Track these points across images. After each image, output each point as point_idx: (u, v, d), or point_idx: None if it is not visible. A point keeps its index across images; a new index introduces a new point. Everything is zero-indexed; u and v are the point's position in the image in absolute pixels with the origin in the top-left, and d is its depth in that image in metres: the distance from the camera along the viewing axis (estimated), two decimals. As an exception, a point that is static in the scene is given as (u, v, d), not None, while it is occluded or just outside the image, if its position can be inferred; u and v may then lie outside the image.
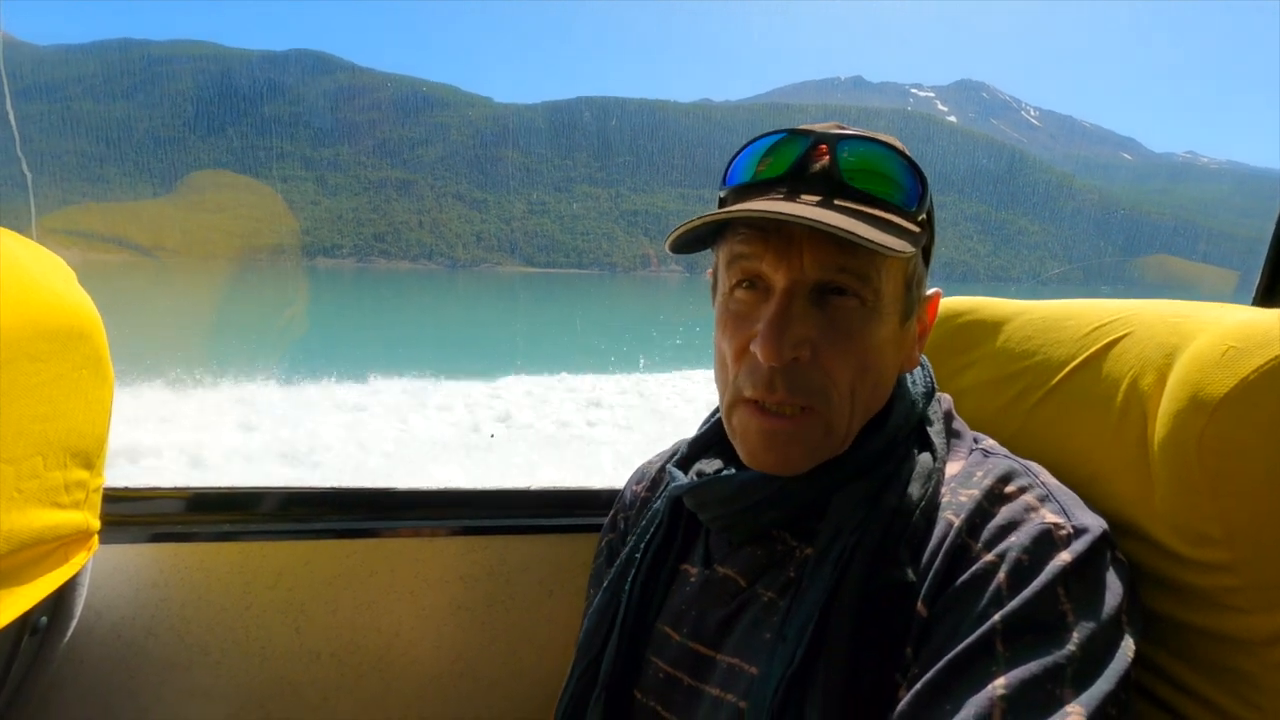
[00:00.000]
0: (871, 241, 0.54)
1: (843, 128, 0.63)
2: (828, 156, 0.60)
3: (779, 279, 0.58)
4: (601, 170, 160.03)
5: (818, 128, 0.62)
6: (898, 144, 0.62)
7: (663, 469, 0.84)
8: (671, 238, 0.62)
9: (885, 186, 0.60)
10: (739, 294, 0.62)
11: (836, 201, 0.58)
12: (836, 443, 0.61)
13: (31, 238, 0.78)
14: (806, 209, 0.56)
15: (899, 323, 0.63)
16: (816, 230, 0.55)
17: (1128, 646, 0.50)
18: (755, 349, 0.58)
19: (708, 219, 0.58)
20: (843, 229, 0.54)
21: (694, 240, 0.64)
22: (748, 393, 0.61)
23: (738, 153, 0.65)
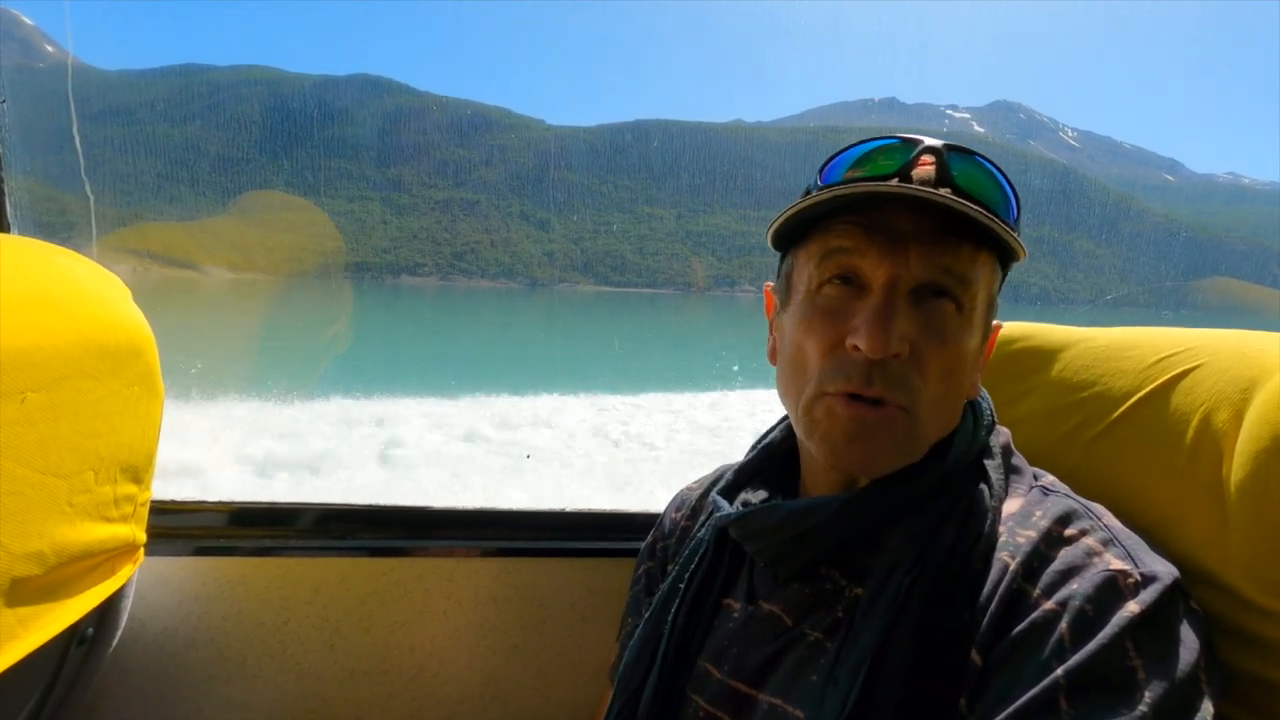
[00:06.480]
0: (993, 220, 0.54)
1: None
2: (932, 166, 0.59)
3: (880, 275, 0.57)
4: (661, 192, 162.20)
5: (921, 137, 0.61)
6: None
7: (704, 496, 0.82)
8: (776, 223, 0.62)
9: (989, 196, 0.59)
10: (828, 290, 0.60)
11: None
12: (916, 448, 0.59)
13: (92, 255, 0.80)
14: (927, 190, 0.55)
15: (980, 340, 0.62)
16: (923, 229, 0.56)
17: (1207, 709, 0.46)
18: (856, 341, 0.56)
19: (820, 197, 0.57)
20: (968, 205, 0.54)
21: (783, 236, 0.64)
22: (836, 386, 0.58)
23: (837, 154, 0.64)
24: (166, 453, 0.82)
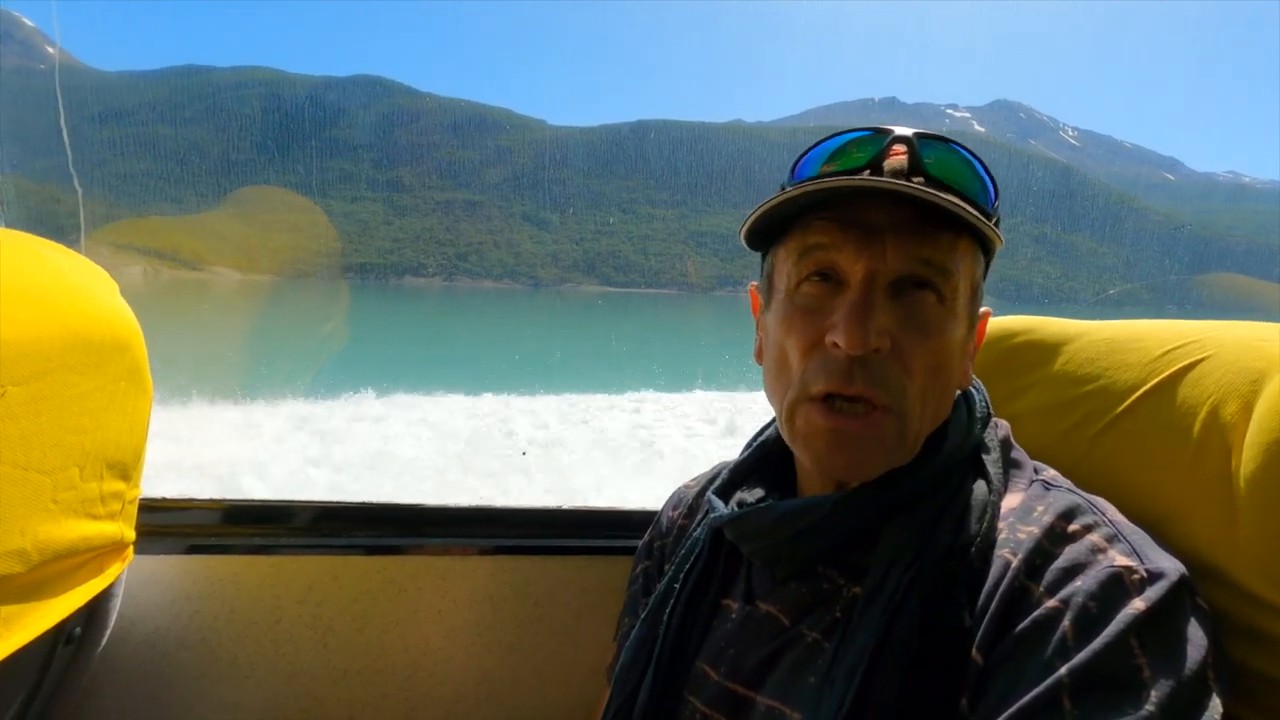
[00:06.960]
0: (963, 208, 0.54)
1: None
2: (904, 155, 0.58)
3: (857, 269, 0.56)
4: (662, 192, 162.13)
5: (892, 127, 0.61)
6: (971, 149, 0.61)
7: (700, 495, 0.81)
8: (748, 222, 0.61)
9: (964, 183, 0.59)
10: (806, 288, 0.59)
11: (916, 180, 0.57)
12: (906, 449, 0.58)
13: (80, 250, 0.80)
14: (892, 181, 0.55)
15: (966, 330, 0.61)
16: (899, 221, 0.55)
17: (1215, 707, 0.45)
18: (835, 337, 0.55)
19: (791, 194, 0.57)
20: (938, 194, 0.53)
21: (761, 234, 0.64)
22: (818, 387, 0.57)
23: (810, 148, 0.63)
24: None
